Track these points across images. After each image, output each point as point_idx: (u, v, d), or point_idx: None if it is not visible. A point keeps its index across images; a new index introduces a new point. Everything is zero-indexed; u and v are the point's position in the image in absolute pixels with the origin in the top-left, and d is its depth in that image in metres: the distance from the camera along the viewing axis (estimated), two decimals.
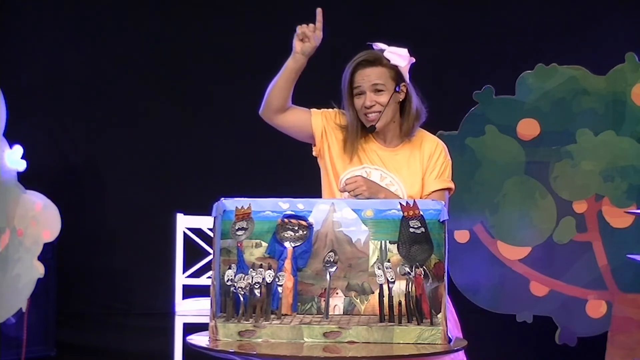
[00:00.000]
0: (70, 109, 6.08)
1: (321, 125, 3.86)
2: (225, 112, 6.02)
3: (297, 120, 3.86)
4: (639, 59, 5.24)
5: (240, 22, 6.07)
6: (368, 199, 3.55)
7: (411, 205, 3.29)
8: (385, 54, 3.81)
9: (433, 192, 3.80)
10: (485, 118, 5.29)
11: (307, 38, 3.74)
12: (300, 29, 3.76)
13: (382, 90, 3.78)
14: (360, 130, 3.83)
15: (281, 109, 3.83)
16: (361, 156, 3.83)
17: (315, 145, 3.88)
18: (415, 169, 3.82)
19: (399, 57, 3.82)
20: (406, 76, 3.83)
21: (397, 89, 3.79)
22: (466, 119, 5.30)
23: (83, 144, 6.11)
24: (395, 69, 3.81)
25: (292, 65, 3.78)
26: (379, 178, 3.79)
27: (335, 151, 3.85)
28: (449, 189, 3.85)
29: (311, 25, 3.76)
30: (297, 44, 3.76)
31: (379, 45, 3.85)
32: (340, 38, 5.71)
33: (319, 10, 3.76)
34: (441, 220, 3.28)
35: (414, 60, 3.85)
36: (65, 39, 6.06)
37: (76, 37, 6.07)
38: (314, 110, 3.89)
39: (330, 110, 3.90)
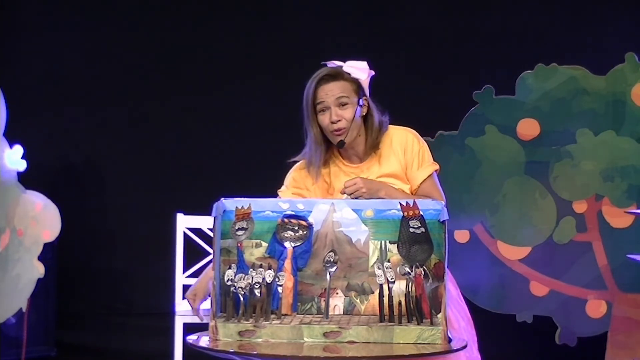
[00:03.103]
0: (70, 109, 6.08)
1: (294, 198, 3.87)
2: (225, 112, 6.02)
3: None
4: (639, 59, 5.24)
5: (240, 23, 6.07)
6: (368, 199, 3.56)
7: (411, 205, 3.29)
8: (345, 68, 3.79)
9: (422, 182, 3.82)
10: (485, 118, 5.29)
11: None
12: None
13: (346, 104, 3.75)
14: (323, 150, 3.80)
15: None
16: (339, 187, 3.80)
17: None
18: (396, 171, 3.82)
19: (359, 70, 3.79)
20: (366, 90, 3.82)
21: (360, 103, 3.78)
22: (466, 119, 5.30)
23: (83, 144, 6.11)
24: (357, 83, 3.79)
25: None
26: None
27: (322, 193, 3.85)
28: (435, 170, 3.86)
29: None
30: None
31: (335, 63, 3.83)
32: (340, 38, 5.73)
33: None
34: (441, 220, 3.28)
35: (373, 73, 3.84)
36: (65, 39, 6.07)
37: (76, 37, 6.07)
38: (280, 191, 3.90)
39: (291, 172, 3.89)
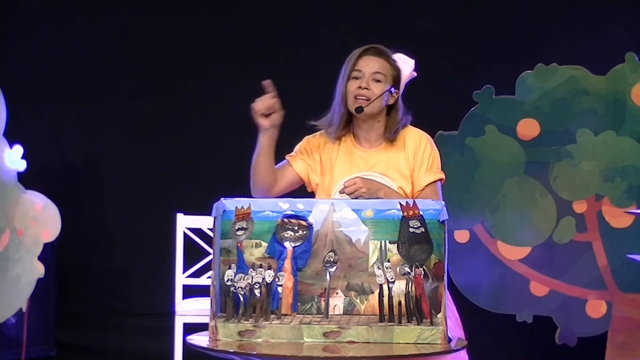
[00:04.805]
0: (70, 109, 6.08)
1: (303, 166, 3.88)
2: (225, 112, 6.01)
3: (287, 180, 3.89)
4: (639, 59, 5.24)
5: (242, 23, 6.06)
6: (368, 199, 3.56)
7: (411, 205, 3.29)
8: (394, 54, 3.87)
9: (426, 186, 3.82)
10: (485, 118, 5.29)
11: (271, 110, 3.70)
12: (260, 105, 3.70)
13: (379, 81, 3.80)
14: (345, 116, 3.83)
15: (272, 185, 3.84)
16: (348, 167, 3.83)
17: (309, 184, 3.90)
18: (401, 167, 3.82)
19: (404, 63, 3.89)
20: (402, 85, 3.85)
21: (391, 90, 3.80)
22: (466, 119, 5.30)
23: (83, 144, 6.11)
24: (397, 71, 3.83)
25: (267, 142, 3.76)
26: None
27: (325, 168, 3.86)
28: (440, 180, 3.87)
29: (266, 97, 3.71)
30: (263, 121, 3.72)
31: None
32: (340, 38, 5.72)
33: (267, 82, 3.71)
34: (441, 220, 3.28)
35: (415, 74, 3.88)
36: (65, 39, 6.06)
37: (76, 37, 6.07)
38: (290, 156, 3.91)
39: (305, 139, 3.93)
